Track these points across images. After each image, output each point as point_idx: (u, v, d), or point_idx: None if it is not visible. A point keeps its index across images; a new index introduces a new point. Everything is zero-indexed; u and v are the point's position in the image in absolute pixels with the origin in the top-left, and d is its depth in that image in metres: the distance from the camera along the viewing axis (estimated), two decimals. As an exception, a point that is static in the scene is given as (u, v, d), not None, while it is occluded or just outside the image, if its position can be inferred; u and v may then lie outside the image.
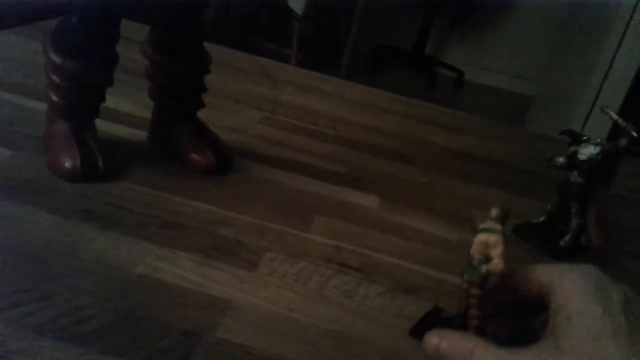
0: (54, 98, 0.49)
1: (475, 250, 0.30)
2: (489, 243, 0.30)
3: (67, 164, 0.47)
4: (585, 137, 0.54)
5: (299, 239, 0.48)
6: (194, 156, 0.54)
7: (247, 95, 0.78)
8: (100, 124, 0.52)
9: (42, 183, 0.46)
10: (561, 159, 0.56)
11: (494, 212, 0.31)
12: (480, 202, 0.63)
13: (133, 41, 0.55)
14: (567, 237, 0.55)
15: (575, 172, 0.54)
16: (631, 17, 1.98)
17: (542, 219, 0.58)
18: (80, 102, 0.49)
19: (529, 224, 0.58)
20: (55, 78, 0.48)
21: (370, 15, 3.02)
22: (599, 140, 0.54)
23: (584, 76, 2.16)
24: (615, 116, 0.54)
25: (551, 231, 0.57)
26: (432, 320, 0.40)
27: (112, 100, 0.55)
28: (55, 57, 0.47)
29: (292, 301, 0.41)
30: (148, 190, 0.49)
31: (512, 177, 0.74)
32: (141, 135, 0.58)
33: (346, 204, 0.56)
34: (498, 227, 0.30)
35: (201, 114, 0.57)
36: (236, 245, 0.45)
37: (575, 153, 0.54)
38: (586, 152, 0.54)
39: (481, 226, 0.31)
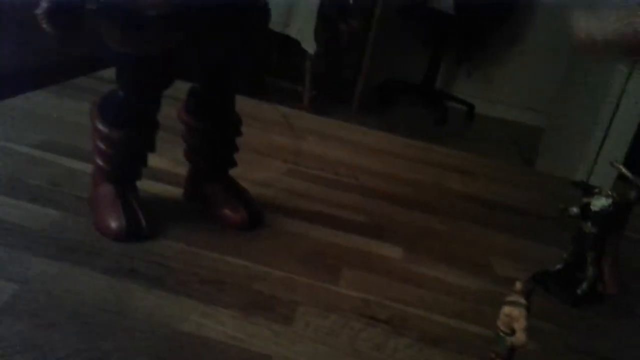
0: (100, 163, 0.53)
1: (500, 323, 0.33)
2: (513, 316, 0.32)
3: (113, 224, 0.51)
4: (597, 190, 0.57)
5: (329, 292, 0.51)
6: (227, 212, 0.58)
7: (272, 147, 0.82)
8: (139, 182, 0.56)
9: (90, 244, 0.50)
10: (575, 210, 0.58)
11: (519, 285, 0.34)
12: (497, 249, 0.66)
13: (167, 97, 0.59)
14: (584, 286, 0.58)
15: (589, 223, 0.57)
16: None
17: (559, 267, 0.61)
18: (124, 166, 0.53)
19: (547, 272, 0.60)
20: (101, 145, 0.52)
21: (379, 51, 3.09)
22: (609, 192, 0.57)
23: (594, 108, 2.19)
24: (624, 170, 0.57)
25: (568, 279, 0.60)
26: None
27: (150, 158, 0.59)
28: (102, 127, 0.51)
29: (327, 355, 0.43)
30: (185, 247, 0.53)
31: (526, 222, 0.77)
32: (177, 192, 0.62)
33: (371, 255, 0.59)
34: (522, 300, 0.33)
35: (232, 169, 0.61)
36: (271, 300, 0.48)
37: (587, 205, 0.57)
38: (598, 204, 0.56)
39: (507, 299, 0.34)
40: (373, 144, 0.94)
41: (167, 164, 0.67)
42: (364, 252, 0.59)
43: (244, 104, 0.94)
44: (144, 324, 0.42)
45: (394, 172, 0.83)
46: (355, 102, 2.98)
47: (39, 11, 0.44)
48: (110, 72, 0.97)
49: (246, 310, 0.46)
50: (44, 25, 0.44)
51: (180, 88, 0.57)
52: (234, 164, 0.60)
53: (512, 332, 0.33)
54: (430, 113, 3.27)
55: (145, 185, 0.60)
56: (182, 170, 0.61)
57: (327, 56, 3.22)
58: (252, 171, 0.72)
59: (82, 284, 0.45)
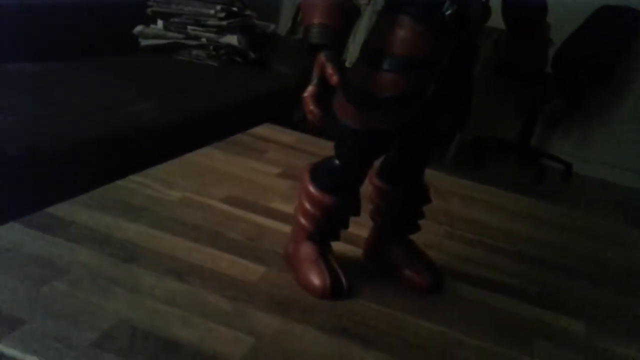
0: (304, 223, 0.56)
1: None
2: None
3: (318, 282, 0.54)
4: None
5: (529, 365, 0.51)
6: (412, 275, 0.60)
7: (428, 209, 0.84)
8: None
9: (301, 300, 0.53)
10: None
11: None
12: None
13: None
14: None
15: None
16: None
17: None
18: (328, 228, 0.56)
19: None
20: (309, 207, 0.55)
21: (474, 105, 3.09)
22: None
23: None
24: None
25: None
26: None
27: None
28: (314, 191, 0.55)
29: None
30: (382, 308, 0.55)
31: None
32: (355, 251, 0.64)
33: (555, 328, 0.59)
34: None
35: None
36: (476, 369, 0.49)
37: None
38: None
39: None
40: (514, 208, 0.94)
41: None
42: (547, 324, 0.59)
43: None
44: (373, 386, 0.44)
45: (545, 238, 0.83)
46: (450, 156, 2.98)
47: (306, 94, 0.49)
48: (260, 130, 1.04)
49: (456, 377, 0.47)
50: (311, 107, 0.48)
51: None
52: (418, 228, 0.62)
53: None
54: (525, 171, 3.21)
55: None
56: (360, 231, 0.64)
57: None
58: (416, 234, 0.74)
59: (305, 342, 0.47)
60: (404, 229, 0.62)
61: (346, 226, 0.58)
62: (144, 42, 1.98)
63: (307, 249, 0.56)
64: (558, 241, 0.83)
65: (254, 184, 0.78)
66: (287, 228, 0.67)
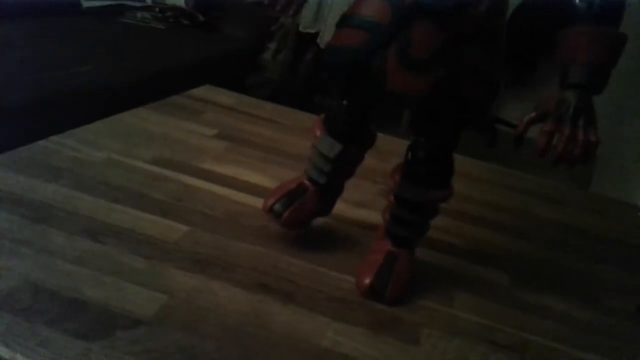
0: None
1: None
2: None
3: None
4: None
5: (447, 315, 0.52)
6: (360, 269, 0.54)
7: (363, 168, 0.84)
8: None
9: (223, 258, 0.52)
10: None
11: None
12: (598, 280, 0.66)
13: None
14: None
15: None
16: None
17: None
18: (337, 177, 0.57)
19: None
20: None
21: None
22: None
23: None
24: None
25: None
26: None
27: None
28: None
29: (461, 378, 0.44)
30: (307, 265, 0.55)
31: (622, 253, 0.76)
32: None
33: (478, 279, 0.60)
34: None
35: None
36: (395, 320, 0.50)
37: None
38: None
39: None
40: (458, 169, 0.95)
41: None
42: (471, 276, 0.60)
43: (313, 121, 0.96)
44: (287, 339, 0.44)
45: (480, 196, 0.84)
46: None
47: None
48: (199, 91, 1.01)
49: (374, 329, 0.48)
50: None
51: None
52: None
53: None
54: (479, 136, 3.26)
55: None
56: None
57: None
58: (346, 191, 0.73)
59: (221, 298, 0.47)
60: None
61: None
62: (86, 4, 1.90)
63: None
64: (495, 199, 0.84)
65: (186, 145, 0.76)
66: (217, 188, 0.66)
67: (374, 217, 0.67)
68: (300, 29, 2.70)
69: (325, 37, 2.63)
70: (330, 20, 2.59)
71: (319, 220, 0.63)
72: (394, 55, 0.45)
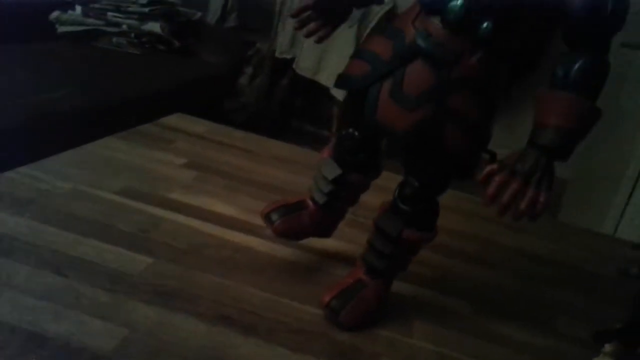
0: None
1: None
2: None
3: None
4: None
5: (406, 345, 0.54)
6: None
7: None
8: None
9: (187, 290, 0.53)
10: (635, 270, 0.61)
11: (608, 348, 0.36)
12: (557, 306, 0.68)
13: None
14: (648, 347, 0.59)
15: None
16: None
17: (619, 326, 0.62)
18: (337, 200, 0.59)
19: (609, 330, 0.62)
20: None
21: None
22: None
23: (623, 160, 2.21)
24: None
25: (629, 339, 0.61)
26: None
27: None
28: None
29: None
30: (270, 296, 0.56)
31: (581, 279, 0.79)
32: (257, 243, 0.65)
33: (439, 308, 0.61)
34: None
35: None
36: (355, 351, 0.51)
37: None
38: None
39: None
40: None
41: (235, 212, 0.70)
42: (433, 305, 0.62)
43: (291, 150, 0.98)
44: (246, 371, 0.45)
45: (445, 224, 0.86)
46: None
47: None
48: (170, 120, 1.02)
49: (334, 360, 0.49)
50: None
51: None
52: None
53: None
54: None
55: (229, 235, 0.63)
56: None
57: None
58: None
59: (183, 331, 0.48)
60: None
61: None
62: (61, 29, 1.90)
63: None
64: (460, 227, 0.86)
65: (155, 175, 0.77)
66: (183, 219, 0.67)
67: (341, 247, 0.69)
68: (277, 54, 2.74)
69: (301, 62, 2.67)
70: (305, 46, 2.63)
71: (284, 251, 0.64)
72: (387, 88, 0.48)
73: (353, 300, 0.53)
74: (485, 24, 0.45)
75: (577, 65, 0.43)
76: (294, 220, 0.59)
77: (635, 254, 0.63)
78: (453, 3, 0.45)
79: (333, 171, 0.57)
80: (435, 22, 0.46)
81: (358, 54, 0.52)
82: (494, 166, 0.45)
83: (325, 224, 0.62)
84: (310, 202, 0.60)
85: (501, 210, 0.45)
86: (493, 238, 0.86)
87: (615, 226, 2.21)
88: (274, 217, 0.58)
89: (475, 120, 0.48)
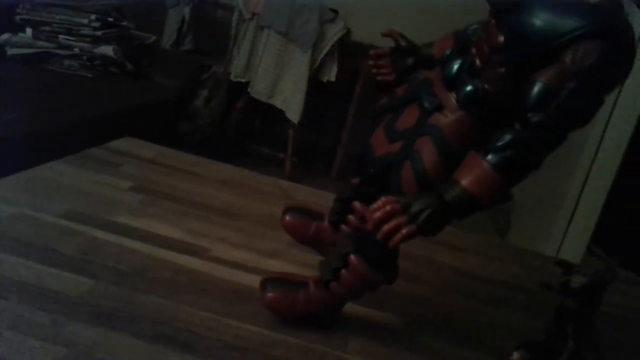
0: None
1: None
2: None
3: None
4: (576, 268, 0.64)
5: (340, 359, 0.56)
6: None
7: (272, 217, 0.88)
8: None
9: (124, 310, 0.54)
10: (556, 286, 0.65)
11: (516, 356, 0.40)
12: (486, 321, 0.72)
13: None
14: (564, 356, 0.64)
15: (570, 299, 0.64)
16: (605, 127, 2.14)
17: (543, 338, 0.67)
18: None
19: (533, 342, 0.66)
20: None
21: (359, 123, 3.22)
22: (588, 270, 0.64)
23: (563, 182, 2.31)
24: (602, 254, 0.65)
25: (551, 350, 0.66)
26: None
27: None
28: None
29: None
30: (208, 314, 0.58)
31: (510, 294, 0.83)
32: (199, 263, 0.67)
33: (373, 324, 0.64)
34: None
35: (238, 238, 0.70)
36: (289, 366, 0.53)
37: (567, 282, 0.64)
38: (577, 281, 0.63)
39: None
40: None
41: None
42: (366, 321, 0.65)
43: (243, 176, 1.00)
44: (182, 387, 0.46)
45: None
46: (335, 171, 3.07)
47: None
48: (119, 143, 1.03)
49: (269, 375, 0.51)
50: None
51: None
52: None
53: None
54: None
55: (172, 257, 0.65)
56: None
57: (309, 125, 3.33)
58: (257, 241, 0.77)
59: (121, 350, 0.49)
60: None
61: None
62: (10, 51, 1.89)
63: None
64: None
65: (101, 198, 0.78)
66: (127, 241, 0.68)
67: (284, 267, 0.71)
68: (232, 78, 2.76)
69: (255, 86, 2.71)
70: (260, 70, 2.67)
71: (226, 271, 0.66)
72: (387, 119, 0.57)
73: (285, 289, 0.58)
74: (468, 88, 0.50)
75: (511, 142, 0.47)
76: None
77: (558, 269, 0.67)
78: (451, 65, 0.53)
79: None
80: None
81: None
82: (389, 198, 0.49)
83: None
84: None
85: (372, 226, 0.49)
86: (431, 256, 0.90)
87: (558, 246, 2.30)
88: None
89: (429, 167, 0.51)
